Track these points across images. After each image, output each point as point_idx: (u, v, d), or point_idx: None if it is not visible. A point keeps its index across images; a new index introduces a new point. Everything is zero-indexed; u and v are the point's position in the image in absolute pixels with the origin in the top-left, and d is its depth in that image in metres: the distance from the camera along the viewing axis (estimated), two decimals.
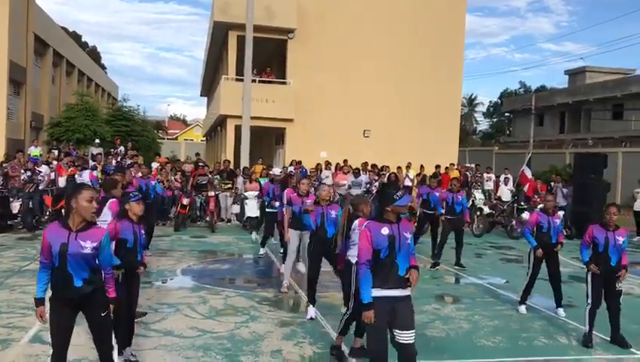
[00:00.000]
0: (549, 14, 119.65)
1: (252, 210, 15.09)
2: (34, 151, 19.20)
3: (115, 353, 4.52)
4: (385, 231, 4.53)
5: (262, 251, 11.89)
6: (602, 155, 18.13)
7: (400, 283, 4.54)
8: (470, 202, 17.28)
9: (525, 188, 17.30)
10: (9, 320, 6.74)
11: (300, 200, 8.55)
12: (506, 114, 57.86)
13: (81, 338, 5.57)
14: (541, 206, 8.74)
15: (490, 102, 71.14)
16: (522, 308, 8.10)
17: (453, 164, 21.71)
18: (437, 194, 12.14)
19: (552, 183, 18.09)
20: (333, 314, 7.43)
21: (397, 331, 4.49)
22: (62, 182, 15.01)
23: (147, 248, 10.23)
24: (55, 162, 16.20)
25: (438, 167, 20.43)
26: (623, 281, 6.78)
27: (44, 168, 15.10)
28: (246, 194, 15.69)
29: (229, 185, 16.95)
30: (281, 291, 8.67)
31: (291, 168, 18.55)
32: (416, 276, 4.59)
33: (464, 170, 21.71)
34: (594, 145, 34.27)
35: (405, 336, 4.47)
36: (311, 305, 7.39)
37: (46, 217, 14.50)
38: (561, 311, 8.01)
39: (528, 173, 17.30)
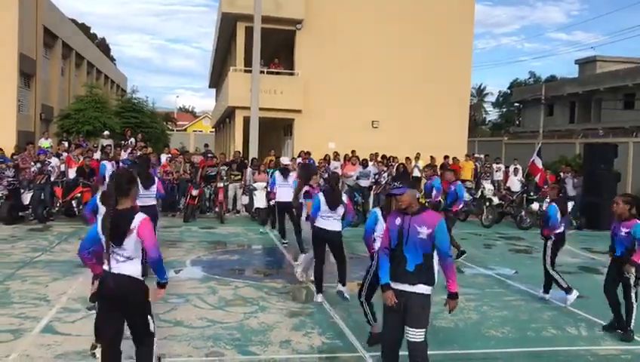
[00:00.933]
0: (559, 3, 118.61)
1: (261, 200, 15.14)
2: (44, 143, 19.31)
3: None
4: (397, 221, 4.56)
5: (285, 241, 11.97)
6: (613, 145, 18.01)
7: (408, 278, 4.48)
8: (479, 192, 17.26)
9: (537, 179, 17.21)
10: (21, 311, 6.81)
11: (313, 192, 8.88)
12: (516, 104, 57.49)
13: (87, 328, 5.63)
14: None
15: (500, 92, 70.76)
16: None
17: (469, 156, 21.59)
18: (428, 182, 12.18)
19: (562, 174, 18.01)
20: (341, 304, 7.45)
21: (406, 327, 4.49)
22: (72, 173, 15.09)
23: None
24: (65, 154, 16.29)
25: (446, 157, 20.39)
26: (630, 274, 6.57)
27: (54, 160, 15.19)
28: (255, 185, 15.73)
29: (239, 177, 16.98)
30: (300, 280, 8.78)
31: (299, 159, 18.55)
32: (453, 306, 4.68)
33: (474, 161, 21.66)
34: (604, 135, 34.00)
35: (411, 334, 4.46)
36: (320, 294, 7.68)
37: (56, 208, 14.62)
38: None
39: (539, 164, 17.21)
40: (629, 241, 6.57)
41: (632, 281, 6.62)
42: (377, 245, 6.07)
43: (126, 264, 4.30)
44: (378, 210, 6.17)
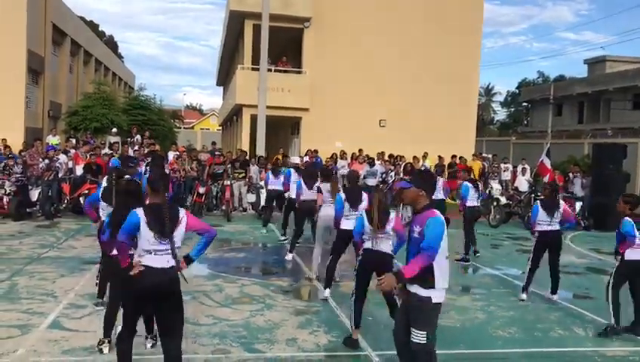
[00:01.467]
0: (568, 2, 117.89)
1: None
2: (52, 139, 19.36)
3: None
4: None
5: (283, 238, 12.14)
6: (622, 146, 17.89)
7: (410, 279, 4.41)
8: (487, 192, 17.18)
9: (545, 179, 17.11)
10: (29, 306, 6.84)
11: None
12: (524, 104, 57.28)
13: (94, 325, 5.65)
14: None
15: (508, 91, 70.47)
16: None
17: (476, 155, 21.47)
18: None
19: (570, 174, 17.90)
20: (348, 303, 7.42)
21: None
22: (79, 170, 15.14)
23: None
24: (73, 150, 16.34)
25: (454, 157, 20.34)
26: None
27: (62, 157, 15.24)
28: (261, 183, 15.72)
29: (243, 174, 16.96)
30: (309, 277, 8.86)
31: (306, 158, 18.56)
32: (385, 281, 4.31)
33: (481, 160, 21.58)
34: (613, 135, 33.80)
35: (412, 333, 4.39)
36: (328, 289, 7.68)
37: (64, 205, 14.67)
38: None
39: (547, 164, 17.10)
40: (620, 236, 6.85)
41: (611, 279, 6.84)
42: (365, 245, 6.10)
43: (171, 256, 4.49)
44: (364, 213, 6.21)
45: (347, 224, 7.52)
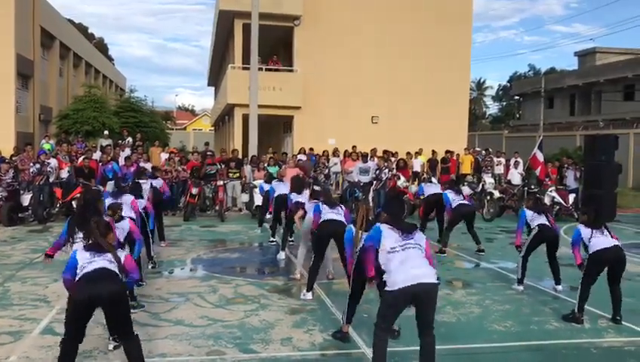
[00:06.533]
0: None
1: (260, 198, 15.05)
2: (45, 144, 19.24)
3: None
4: None
5: (272, 239, 11.96)
6: (613, 137, 17.91)
7: None
8: (480, 186, 17.22)
9: (537, 172, 17.16)
10: (21, 312, 6.78)
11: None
12: (516, 97, 57.42)
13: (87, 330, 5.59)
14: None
15: (500, 85, 70.73)
16: None
17: (468, 149, 21.48)
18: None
19: (565, 166, 17.91)
20: (342, 300, 7.40)
21: None
22: (64, 173, 15.03)
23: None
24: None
25: (447, 152, 20.37)
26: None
27: (53, 161, 15.13)
28: (254, 183, 15.67)
29: (237, 174, 16.90)
30: (293, 277, 8.74)
31: (300, 156, 18.54)
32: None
33: (475, 155, 21.63)
34: (605, 126, 33.90)
35: None
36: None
37: (56, 209, 14.58)
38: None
39: (540, 157, 17.15)
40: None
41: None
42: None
43: (110, 262, 4.93)
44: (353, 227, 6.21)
45: (328, 216, 7.58)
